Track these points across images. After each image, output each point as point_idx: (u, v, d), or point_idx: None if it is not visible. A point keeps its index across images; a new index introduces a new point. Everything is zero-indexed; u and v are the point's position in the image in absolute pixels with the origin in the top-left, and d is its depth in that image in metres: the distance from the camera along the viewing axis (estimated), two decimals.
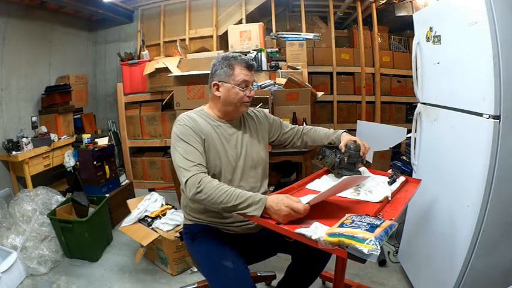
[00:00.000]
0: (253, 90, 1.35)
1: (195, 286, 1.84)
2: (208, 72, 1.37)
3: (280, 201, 1.05)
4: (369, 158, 2.74)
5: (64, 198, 2.56)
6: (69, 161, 2.97)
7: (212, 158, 1.28)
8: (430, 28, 1.60)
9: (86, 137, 2.96)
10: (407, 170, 2.37)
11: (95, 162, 2.77)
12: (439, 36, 1.53)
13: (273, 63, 3.33)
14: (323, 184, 1.39)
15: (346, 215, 1.01)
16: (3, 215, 2.40)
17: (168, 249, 2.03)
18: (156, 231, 2.05)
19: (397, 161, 2.62)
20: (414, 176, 1.87)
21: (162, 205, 2.29)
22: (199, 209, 1.35)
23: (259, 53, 3.19)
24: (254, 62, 1.38)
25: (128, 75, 3.60)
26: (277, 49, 3.67)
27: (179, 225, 2.06)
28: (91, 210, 2.36)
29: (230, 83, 1.30)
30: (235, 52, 3.34)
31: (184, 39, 3.91)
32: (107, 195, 2.63)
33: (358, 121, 3.84)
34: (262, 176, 1.42)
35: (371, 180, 1.39)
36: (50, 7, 3.32)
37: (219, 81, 1.32)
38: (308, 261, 1.40)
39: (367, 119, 4.14)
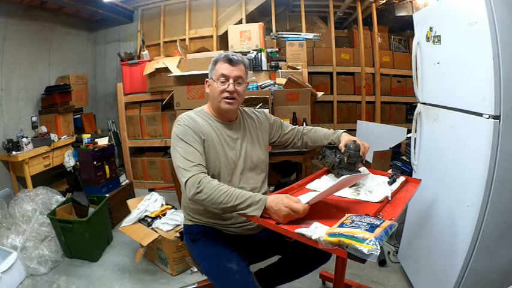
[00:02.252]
0: (232, 84, 1.29)
1: (195, 286, 1.84)
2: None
3: (280, 201, 1.05)
4: (369, 158, 2.74)
5: (64, 198, 2.55)
6: (69, 161, 2.97)
7: (212, 159, 1.28)
8: (430, 28, 1.60)
9: (86, 137, 2.96)
10: (407, 170, 2.37)
11: (95, 162, 2.77)
12: (439, 36, 1.53)
13: (273, 63, 3.33)
14: (323, 184, 1.39)
15: (346, 215, 1.01)
16: (3, 215, 2.40)
17: (168, 249, 2.03)
18: (156, 231, 2.05)
19: (397, 161, 2.62)
20: (414, 176, 1.87)
21: (162, 205, 2.29)
22: (200, 210, 1.34)
23: (259, 53, 3.20)
24: (239, 57, 1.34)
25: (127, 75, 3.60)
26: (277, 49, 3.68)
27: (179, 225, 2.06)
28: (91, 210, 2.36)
29: (212, 78, 1.33)
30: (235, 52, 3.35)
31: (184, 39, 3.91)
32: (107, 195, 2.63)
33: (358, 121, 3.85)
34: (262, 177, 1.42)
35: (371, 180, 1.39)
36: (50, 7, 3.32)
37: (208, 79, 1.36)
38: (306, 261, 1.40)
39: (367, 119, 4.15)
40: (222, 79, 1.30)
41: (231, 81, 1.30)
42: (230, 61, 1.31)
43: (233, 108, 1.35)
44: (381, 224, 0.93)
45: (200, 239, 1.34)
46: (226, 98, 1.31)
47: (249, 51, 3.26)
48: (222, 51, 3.32)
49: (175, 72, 3.06)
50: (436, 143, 1.66)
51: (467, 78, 1.34)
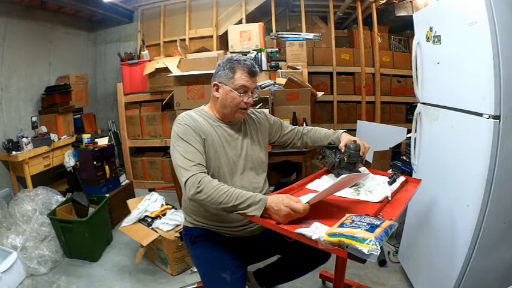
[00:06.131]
0: (251, 97, 1.31)
1: (195, 286, 1.85)
2: (208, 72, 1.37)
3: (280, 201, 1.05)
4: (369, 158, 2.74)
5: (64, 198, 2.56)
6: (69, 161, 2.97)
7: (212, 158, 1.28)
8: (430, 28, 1.60)
9: (86, 137, 2.96)
10: (407, 170, 2.37)
11: (95, 162, 2.77)
12: (439, 36, 1.53)
13: (273, 63, 3.33)
14: (323, 184, 1.39)
15: (346, 215, 1.01)
16: (3, 215, 2.40)
17: (168, 249, 2.03)
18: (156, 231, 2.05)
19: (397, 161, 2.62)
20: (414, 176, 1.87)
21: (162, 205, 2.29)
22: (200, 212, 1.34)
23: (259, 53, 3.20)
24: (257, 69, 1.34)
25: (127, 75, 3.60)
26: (277, 49, 3.68)
27: (179, 225, 2.06)
28: (91, 210, 2.36)
29: (229, 86, 1.29)
30: (235, 52, 3.34)
31: (184, 39, 3.91)
32: (107, 195, 2.63)
33: (358, 121, 3.84)
34: (263, 177, 1.42)
35: (371, 180, 1.39)
36: (50, 7, 3.32)
37: (219, 83, 1.31)
38: (306, 261, 1.40)
39: (367, 119, 4.15)
40: (242, 90, 1.29)
41: (250, 93, 1.31)
42: (252, 73, 1.30)
43: (244, 117, 1.38)
44: (381, 224, 0.93)
45: (199, 242, 1.34)
46: (243, 109, 1.32)
47: (249, 51, 3.26)
48: (221, 51, 3.38)
49: (175, 72, 3.06)
50: (436, 143, 1.66)
51: (467, 78, 1.34)
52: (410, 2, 3.92)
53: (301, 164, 2.79)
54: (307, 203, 1.05)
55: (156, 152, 3.80)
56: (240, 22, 3.82)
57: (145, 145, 3.74)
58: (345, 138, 1.42)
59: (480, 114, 1.25)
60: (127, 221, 2.17)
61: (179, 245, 2.03)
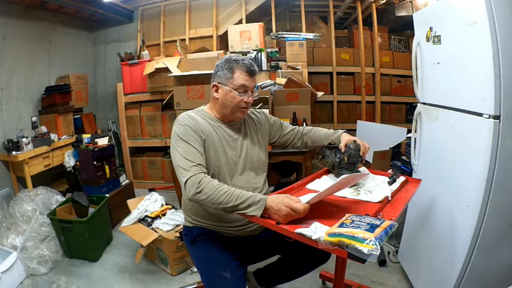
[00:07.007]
0: (251, 96, 1.31)
1: (195, 286, 1.85)
2: (208, 72, 1.38)
3: (280, 201, 1.05)
4: (369, 158, 2.74)
5: (64, 198, 2.56)
6: (69, 161, 2.97)
7: (212, 159, 1.28)
8: (430, 28, 1.61)
9: (86, 137, 2.96)
10: (407, 170, 2.37)
11: (95, 162, 2.78)
12: (439, 36, 1.53)
13: (273, 63, 3.33)
14: (323, 184, 1.39)
15: (346, 215, 1.01)
16: (3, 215, 2.40)
17: (168, 249, 2.03)
18: (156, 231, 2.05)
19: (397, 161, 2.62)
20: (414, 176, 1.87)
21: (162, 205, 2.29)
22: (200, 212, 1.34)
23: (259, 53, 3.20)
24: (256, 68, 1.34)
25: (127, 75, 3.60)
26: (277, 49, 3.68)
27: (179, 225, 2.06)
28: (91, 210, 2.36)
29: (228, 86, 1.28)
30: (235, 52, 3.34)
31: (184, 39, 3.91)
32: (107, 195, 2.63)
33: (358, 121, 3.85)
34: (262, 178, 1.42)
35: (371, 180, 1.39)
36: (50, 7, 3.32)
37: (219, 83, 1.31)
38: (306, 261, 1.40)
39: (367, 119, 4.15)
40: (241, 90, 1.29)
41: (249, 92, 1.31)
42: (251, 73, 1.30)
43: (244, 116, 1.38)
44: (381, 224, 0.93)
45: (199, 241, 1.34)
46: (244, 108, 1.31)
47: (249, 51, 3.26)
48: (221, 51, 3.38)
49: (175, 72, 3.06)
50: (436, 143, 1.66)
51: (467, 78, 1.34)
52: (410, 2, 3.92)
53: (301, 164, 2.79)
54: (307, 203, 1.05)
55: (156, 152, 3.80)
56: (240, 22, 3.82)
57: (145, 145, 3.74)
58: (345, 138, 1.42)
59: (480, 114, 1.26)
60: (127, 221, 2.17)
61: (179, 245, 2.03)
